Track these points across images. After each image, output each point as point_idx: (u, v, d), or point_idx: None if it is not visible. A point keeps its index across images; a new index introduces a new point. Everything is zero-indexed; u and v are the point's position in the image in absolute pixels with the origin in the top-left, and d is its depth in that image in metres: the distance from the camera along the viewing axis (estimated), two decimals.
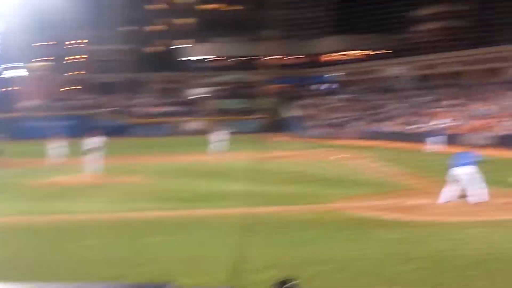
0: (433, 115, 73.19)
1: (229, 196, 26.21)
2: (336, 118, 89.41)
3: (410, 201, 24.15)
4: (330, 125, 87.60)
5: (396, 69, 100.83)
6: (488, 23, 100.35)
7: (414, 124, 73.87)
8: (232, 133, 64.67)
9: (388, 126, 77.43)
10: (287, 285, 7.83)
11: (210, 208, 23.51)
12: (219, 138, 48.65)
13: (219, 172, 37.71)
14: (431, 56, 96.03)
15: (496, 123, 61.97)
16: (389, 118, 79.98)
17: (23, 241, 18.85)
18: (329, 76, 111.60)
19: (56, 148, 45.24)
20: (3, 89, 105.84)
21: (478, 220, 19.97)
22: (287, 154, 49.77)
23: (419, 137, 63.18)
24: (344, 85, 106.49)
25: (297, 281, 7.87)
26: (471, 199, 23.05)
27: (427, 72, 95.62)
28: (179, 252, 16.71)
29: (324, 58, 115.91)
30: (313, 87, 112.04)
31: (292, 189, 28.00)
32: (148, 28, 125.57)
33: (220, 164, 43.57)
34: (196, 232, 19.04)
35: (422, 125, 71.32)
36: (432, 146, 53.74)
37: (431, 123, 69.24)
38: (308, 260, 15.07)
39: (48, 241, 18.65)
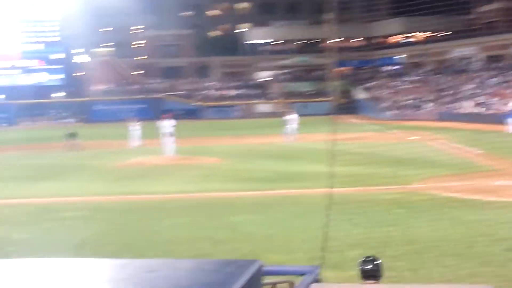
0: (508, 96, 71.66)
1: (308, 176, 26.18)
2: (407, 99, 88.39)
3: (492, 182, 23.71)
4: (402, 107, 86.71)
5: (463, 50, 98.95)
6: None
7: (489, 105, 72.53)
8: (303, 115, 64.54)
9: (462, 107, 76.16)
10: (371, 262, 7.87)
11: (290, 188, 23.55)
12: (290, 120, 48.52)
13: (294, 153, 37.72)
14: (500, 37, 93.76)
15: None
16: (463, 99, 78.63)
17: (106, 220, 19.19)
18: (394, 58, 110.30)
19: (130, 130, 45.80)
20: (74, 74, 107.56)
21: None
22: (361, 136, 49.42)
23: (496, 118, 61.95)
24: (411, 67, 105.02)
25: (380, 261, 7.88)
26: None
27: (496, 53, 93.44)
28: (264, 230, 16.81)
29: (388, 40, 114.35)
30: (380, 69, 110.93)
31: (370, 170, 27.78)
32: (209, 12, 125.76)
33: (294, 145, 43.56)
34: (279, 211, 19.11)
35: (499, 106, 69.95)
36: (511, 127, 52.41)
37: (509, 104, 67.73)
38: (392, 240, 14.94)
39: (131, 221, 18.96)
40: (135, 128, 45.45)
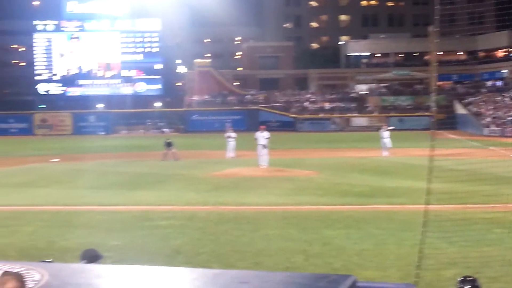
0: None
1: (404, 192, 25.72)
2: (509, 116, 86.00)
3: None
4: (503, 123, 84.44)
5: None
6: None
7: None
8: (400, 129, 63.60)
9: None
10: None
11: (385, 204, 23.16)
12: (387, 134, 47.81)
13: (390, 168, 37.14)
14: None
15: None
16: None
17: (199, 230, 19.23)
18: (497, 72, 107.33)
19: (226, 141, 46.04)
20: (172, 84, 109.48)
21: None
22: (459, 152, 48.33)
23: None
24: None
25: (479, 282, 7.57)
26: None
27: None
28: (357, 245, 16.52)
29: (491, 54, 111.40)
30: (482, 84, 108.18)
31: (468, 188, 26.98)
32: (308, 24, 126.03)
33: (391, 160, 42.91)
34: (373, 227, 18.78)
35: None
36: None
37: None
38: (491, 260, 14.39)
39: (224, 231, 18.94)
40: (231, 139, 45.67)
